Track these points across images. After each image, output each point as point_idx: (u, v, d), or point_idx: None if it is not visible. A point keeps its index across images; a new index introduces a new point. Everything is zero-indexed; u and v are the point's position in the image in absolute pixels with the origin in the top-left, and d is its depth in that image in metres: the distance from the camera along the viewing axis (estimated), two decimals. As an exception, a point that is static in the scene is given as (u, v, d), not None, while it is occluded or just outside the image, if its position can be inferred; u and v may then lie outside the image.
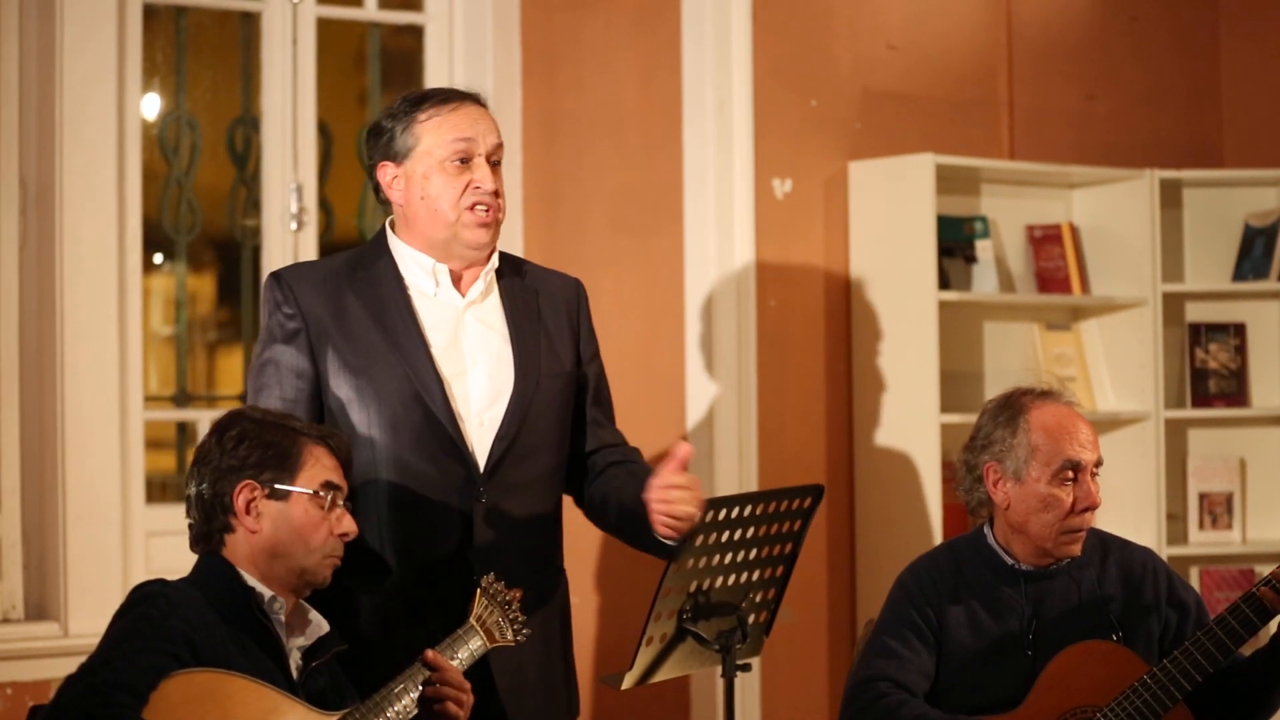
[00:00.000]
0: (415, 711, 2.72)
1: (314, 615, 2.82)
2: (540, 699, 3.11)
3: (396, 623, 3.00)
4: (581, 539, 4.91)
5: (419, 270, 3.07)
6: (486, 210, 3.03)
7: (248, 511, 2.75)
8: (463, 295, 3.08)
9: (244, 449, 2.76)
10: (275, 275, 3.07)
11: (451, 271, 3.08)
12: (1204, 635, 3.19)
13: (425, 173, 3.04)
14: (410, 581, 3.01)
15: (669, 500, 2.91)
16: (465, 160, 3.04)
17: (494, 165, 3.07)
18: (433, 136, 3.04)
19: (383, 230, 3.14)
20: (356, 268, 3.08)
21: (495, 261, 3.12)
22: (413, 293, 3.06)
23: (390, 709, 2.70)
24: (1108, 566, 3.38)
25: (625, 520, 3.06)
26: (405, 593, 3.01)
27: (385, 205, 3.14)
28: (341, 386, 3.01)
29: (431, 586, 3.01)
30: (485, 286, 3.10)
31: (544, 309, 3.16)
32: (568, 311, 3.20)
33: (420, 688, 2.73)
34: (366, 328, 3.02)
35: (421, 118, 3.05)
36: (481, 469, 3.02)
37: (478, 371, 3.05)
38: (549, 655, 3.13)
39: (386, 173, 3.08)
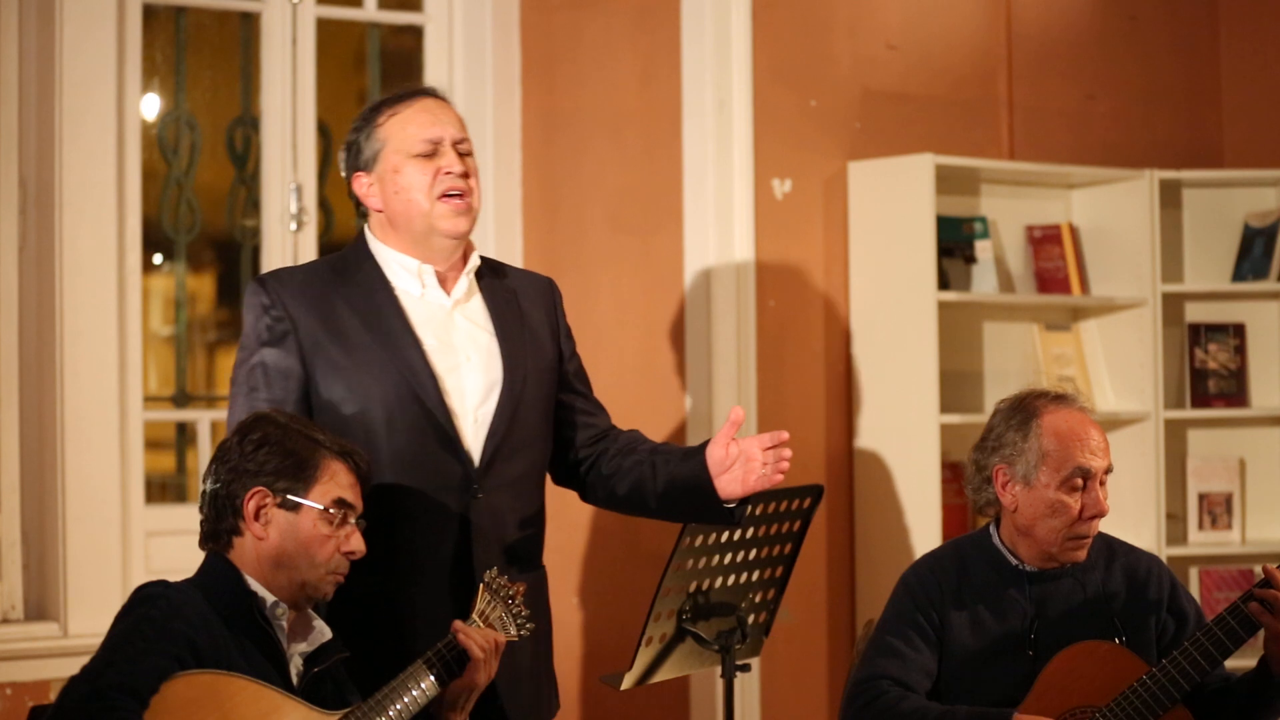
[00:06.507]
0: (420, 707, 2.72)
1: (317, 622, 2.82)
2: (533, 694, 3.13)
3: (398, 620, 3.01)
4: (580, 538, 4.92)
5: (404, 273, 3.09)
6: (460, 197, 3.06)
7: (257, 518, 2.75)
8: (448, 295, 3.11)
9: (263, 454, 2.76)
10: (259, 280, 3.10)
11: (437, 272, 3.10)
12: (1203, 635, 3.19)
13: (395, 167, 3.07)
14: (411, 578, 3.01)
15: (754, 460, 2.97)
16: (432, 152, 3.07)
17: (463, 155, 3.09)
18: (397, 133, 3.08)
19: (361, 235, 3.16)
20: (341, 272, 3.11)
21: (476, 260, 3.15)
22: (399, 294, 3.08)
23: (393, 707, 2.70)
24: (1113, 570, 3.37)
25: (679, 496, 3.07)
26: (406, 590, 3.02)
27: (364, 216, 3.17)
28: (333, 388, 3.02)
29: (433, 583, 3.01)
30: (469, 286, 3.13)
31: (524, 306, 3.19)
32: (545, 309, 3.23)
33: (435, 672, 2.73)
34: (357, 329, 3.04)
35: (381, 120, 3.10)
36: (477, 464, 3.03)
37: (471, 367, 3.08)
38: (538, 651, 3.15)
39: (361, 184, 3.12)
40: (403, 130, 3.07)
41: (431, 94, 3.14)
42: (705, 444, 3.03)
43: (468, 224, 3.08)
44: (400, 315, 3.05)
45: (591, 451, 3.22)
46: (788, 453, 2.99)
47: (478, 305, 3.14)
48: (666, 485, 3.09)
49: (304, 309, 3.04)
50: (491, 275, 3.20)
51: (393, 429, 3.00)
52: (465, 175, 3.07)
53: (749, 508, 3.02)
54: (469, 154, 3.11)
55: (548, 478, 3.29)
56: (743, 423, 3.00)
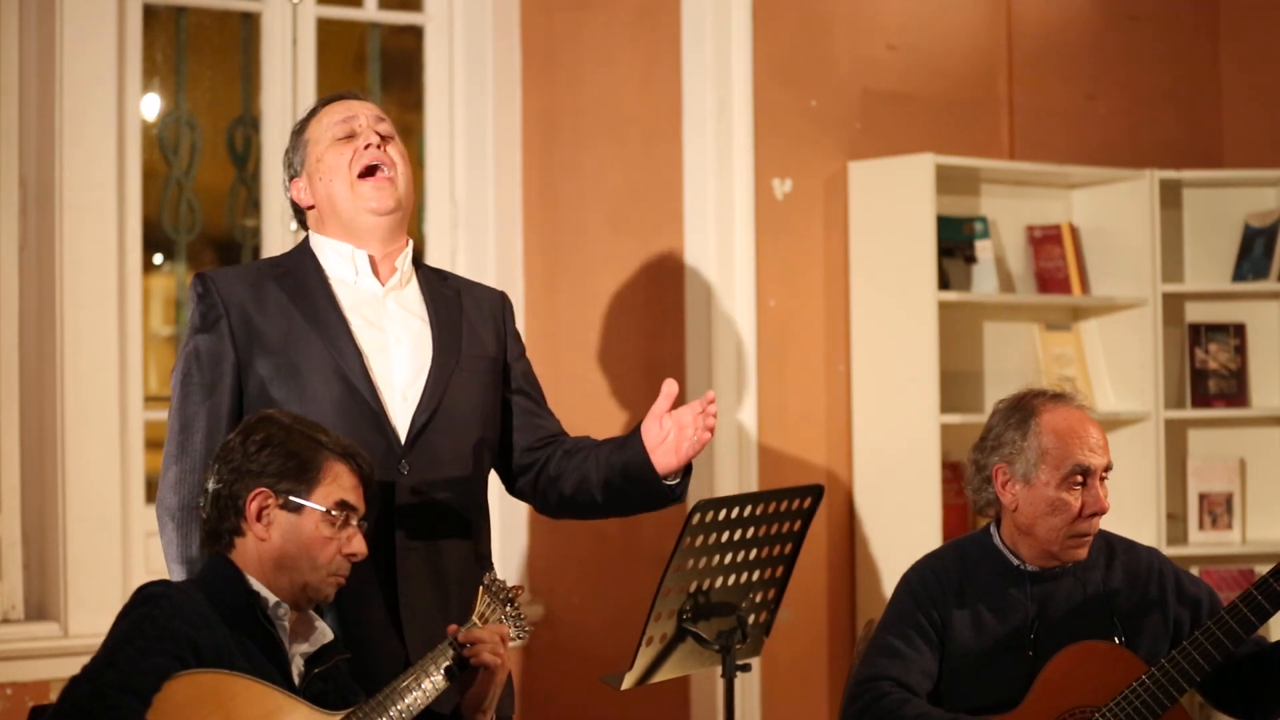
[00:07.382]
0: (421, 708, 2.72)
1: (319, 623, 2.82)
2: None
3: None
4: (580, 538, 4.92)
5: (338, 259, 3.16)
6: (377, 171, 3.15)
7: (259, 519, 2.75)
8: (382, 283, 3.17)
9: (266, 455, 2.76)
10: (199, 274, 3.17)
11: (370, 259, 3.16)
12: (1202, 635, 3.20)
13: (318, 157, 3.17)
14: None
15: (686, 427, 3.02)
16: (350, 134, 3.17)
17: (382, 135, 3.18)
18: (316, 129, 3.21)
19: (305, 239, 3.25)
20: (278, 264, 3.21)
21: (410, 248, 3.21)
22: (333, 281, 3.15)
23: (394, 707, 2.70)
24: (1113, 568, 3.37)
25: (620, 483, 3.12)
26: None
27: (303, 225, 3.26)
28: (262, 366, 3.07)
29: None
30: (403, 275, 3.19)
31: (465, 305, 3.24)
32: (493, 315, 3.28)
33: (441, 670, 2.73)
34: (287, 310, 3.10)
35: (305, 129, 3.23)
36: (403, 440, 3.06)
37: (401, 348, 3.13)
38: None
39: (297, 188, 3.23)
40: (319, 125, 3.20)
41: (352, 95, 3.26)
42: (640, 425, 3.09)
43: (392, 200, 3.15)
44: (329, 297, 3.12)
45: (538, 456, 3.25)
46: (714, 409, 3.04)
47: (413, 294, 3.20)
48: (607, 473, 3.13)
49: (237, 295, 3.11)
50: (435, 276, 3.27)
51: (318, 405, 3.02)
52: (381, 146, 3.15)
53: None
54: (390, 136, 3.19)
55: (502, 489, 3.32)
56: (676, 394, 3.04)
